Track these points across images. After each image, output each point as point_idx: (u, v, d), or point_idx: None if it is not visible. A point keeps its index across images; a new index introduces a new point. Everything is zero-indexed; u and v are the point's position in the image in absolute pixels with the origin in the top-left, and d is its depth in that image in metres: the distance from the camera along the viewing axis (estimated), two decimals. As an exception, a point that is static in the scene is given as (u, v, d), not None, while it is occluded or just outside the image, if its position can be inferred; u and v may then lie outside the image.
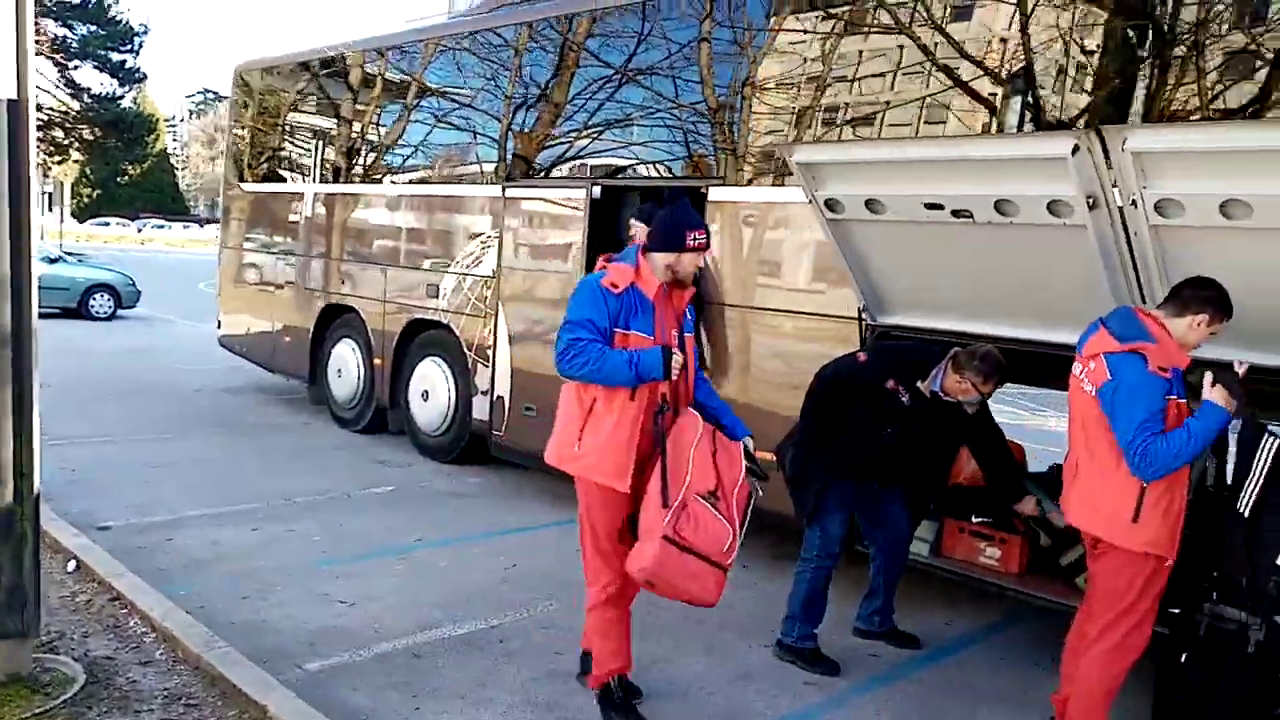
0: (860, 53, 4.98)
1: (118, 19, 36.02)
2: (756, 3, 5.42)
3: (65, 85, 35.42)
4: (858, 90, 5.01)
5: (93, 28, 35.54)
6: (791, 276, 5.24)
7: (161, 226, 53.75)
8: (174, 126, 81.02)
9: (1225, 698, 3.59)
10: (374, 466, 7.27)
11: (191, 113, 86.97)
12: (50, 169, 36.34)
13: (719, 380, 5.45)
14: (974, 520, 4.77)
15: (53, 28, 33.81)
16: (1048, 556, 4.64)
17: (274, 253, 9.41)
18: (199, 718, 3.39)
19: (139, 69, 37.05)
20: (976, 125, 4.56)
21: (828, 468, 4.14)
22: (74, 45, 35.15)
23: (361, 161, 8.58)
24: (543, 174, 6.71)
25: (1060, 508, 3.61)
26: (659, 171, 6.03)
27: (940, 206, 3.98)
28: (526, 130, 6.83)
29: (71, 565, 4.59)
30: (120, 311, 16.45)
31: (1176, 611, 3.55)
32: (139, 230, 49.77)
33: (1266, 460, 3.21)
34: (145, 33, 36.91)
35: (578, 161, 6.53)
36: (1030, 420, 9.77)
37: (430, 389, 7.53)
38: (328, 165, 8.89)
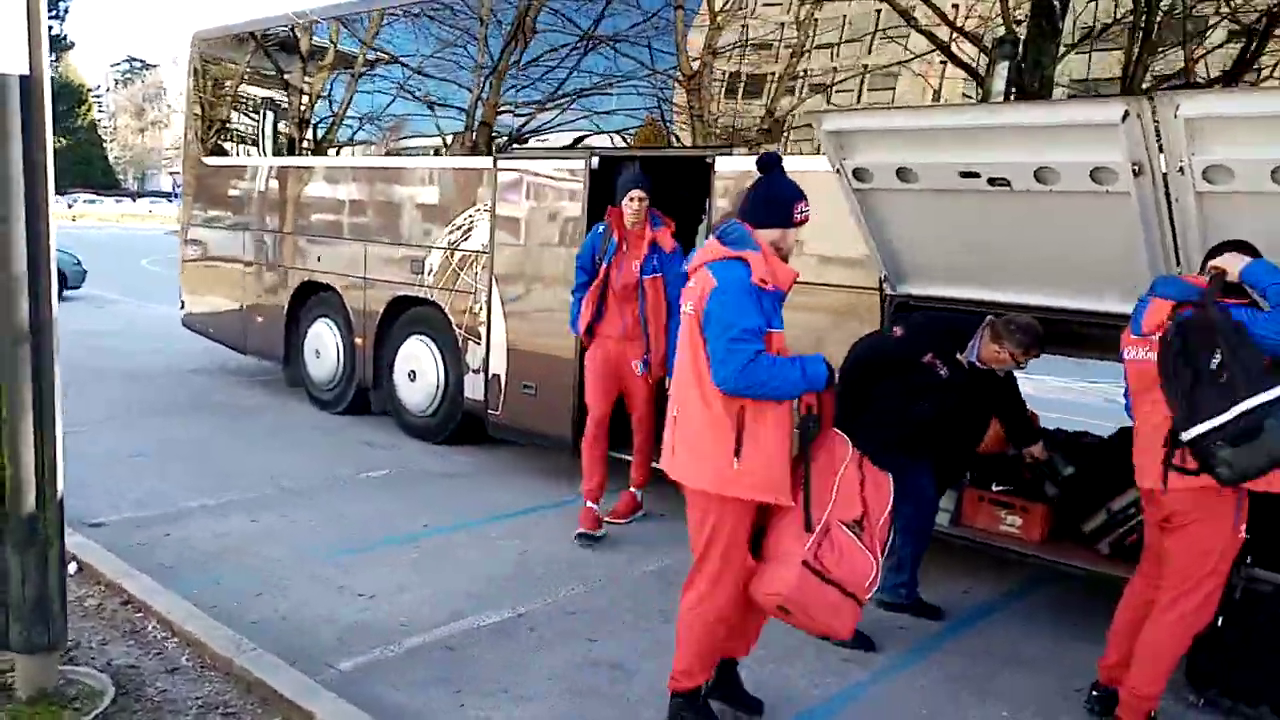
0: (878, 12, 4.89)
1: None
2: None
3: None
4: (880, 54, 4.90)
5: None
6: (807, 248, 5.13)
7: (93, 201, 51.93)
8: (99, 97, 78.10)
9: (1259, 659, 3.66)
10: (362, 449, 7.07)
11: (117, 82, 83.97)
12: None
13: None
14: (994, 489, 4.78)
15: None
16: (1069, 523, 4.65)
17: (243, 229, 9.06)
18: (240, 726, 3.25)
19: (65, 35, 35.65)
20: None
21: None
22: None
23: (337, 133, 8.28)
24: (538, 145, 6.51)
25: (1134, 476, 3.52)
26: (659, 141, 5.87)
27: (976, 175, 3.92)
28: (519, 98, 6.63)
29: (73, 568, 4.36)
30: (66, 293, 15.81)
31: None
32: (69, 206, 48.02)
33: None
34: (70, -3, 35.45)
35: (573, 131, 6.35)
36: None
37: (417, 368, 7.33)
38: (300, 138, 8.56)
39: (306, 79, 8.58)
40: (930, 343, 4.00)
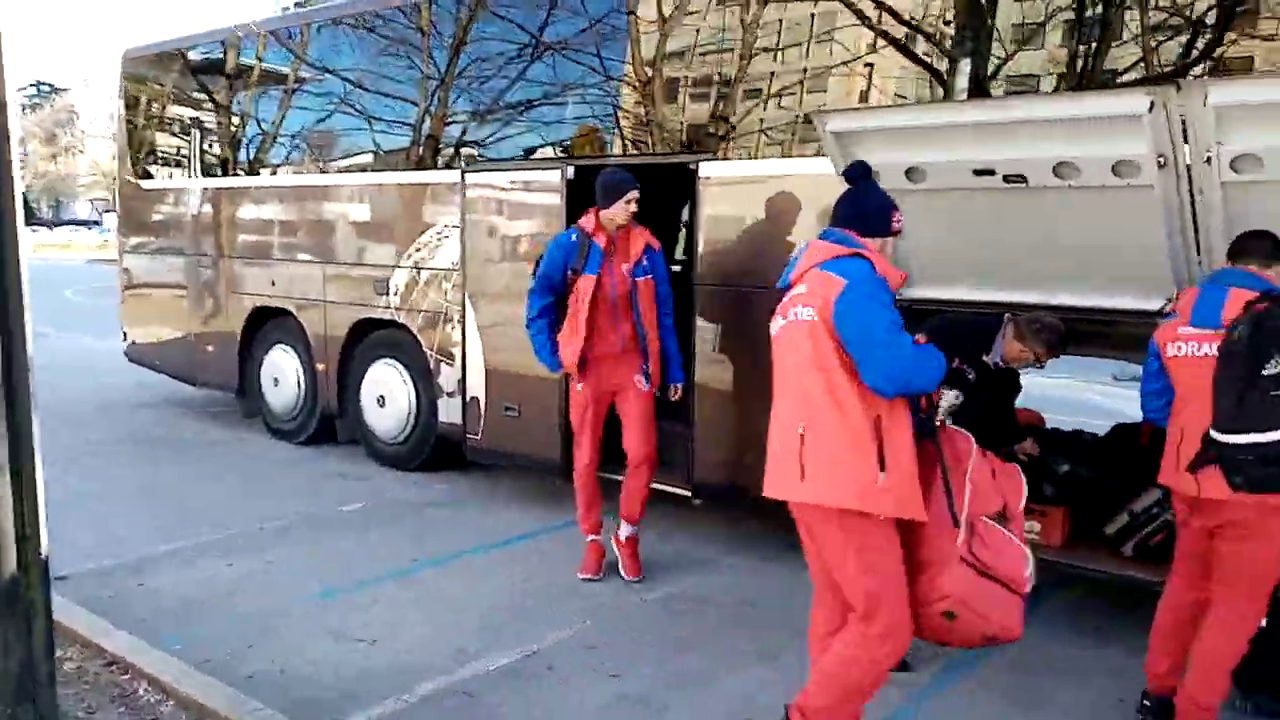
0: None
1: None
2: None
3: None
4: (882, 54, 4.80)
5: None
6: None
7: (6, 232, 49.76)
8: (7, 124, 74.87)
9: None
10: (333, 481, 6.74)
11: (25, 107, 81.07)
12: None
13: (715, 368, 5.22)
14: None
15: None
16: (1090, 526, 4.57)
17: (188, 254, 8.62)
18: (255, 797, 2.97)
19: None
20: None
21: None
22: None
23: (289, 152, 7.94)
24: (507, 157, 6.28)
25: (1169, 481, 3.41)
26: (641, 148, 5.69)
27: (991, 172, 3.81)
28: (487, 110, 6.40)
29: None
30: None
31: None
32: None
33: None
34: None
35: (547, 141, 6.14)
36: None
37: (386, 394, 7.03)
38: (249, 157, 8.20)
39: (243, 95, 8.22)
40: (957, 346, 3.87)
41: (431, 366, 6.70)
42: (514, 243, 6.11)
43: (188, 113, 8.95)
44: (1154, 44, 3.99)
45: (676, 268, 6.31)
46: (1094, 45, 4.17)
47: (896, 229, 3.09)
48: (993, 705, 3.74)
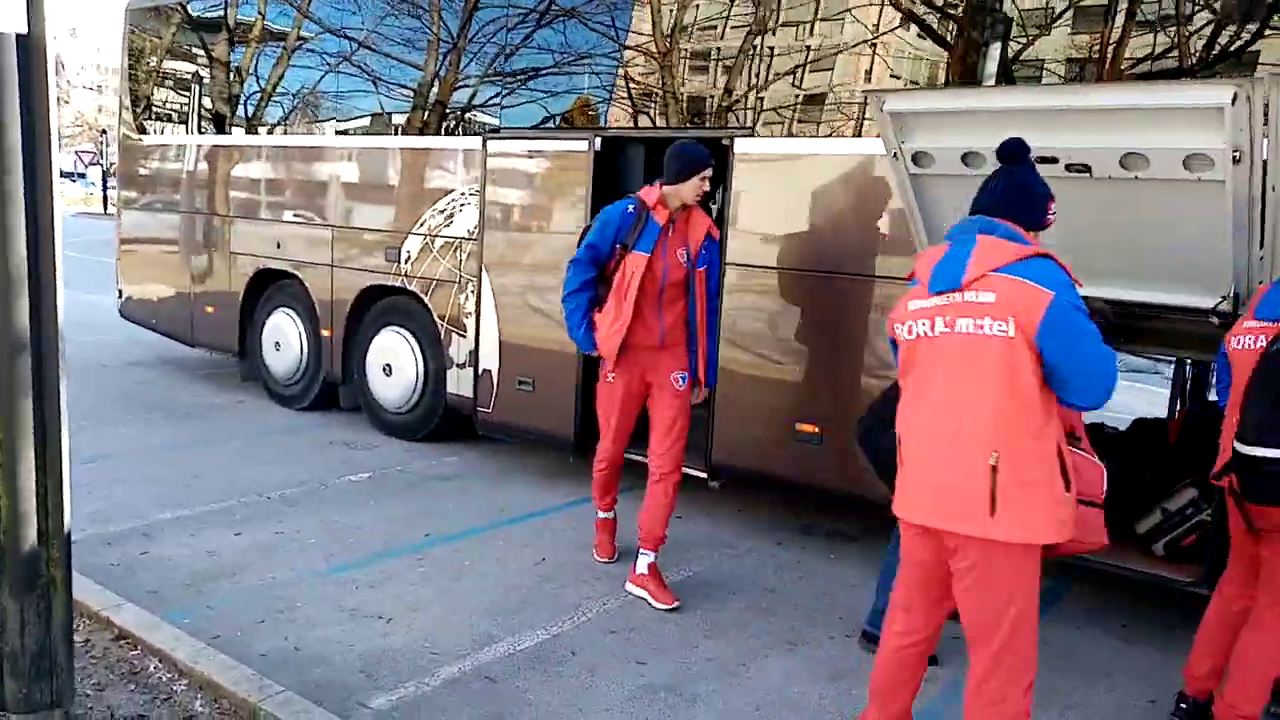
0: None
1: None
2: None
3: None
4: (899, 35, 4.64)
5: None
6: (838, 235, 4.85)
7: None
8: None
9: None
10: (339, 450, 6.58)
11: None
12: None
13: (736, 349, 5.09)
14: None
15: None
16: (1121, 524, 4.48)
17: (189, 212, 8.40)
18: (277, 784, 2.84)
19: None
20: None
21: None
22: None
23: (300, 110, 7.70)
24: (532, 124, 6.10)
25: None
26: (671, 121, 5.51)
27: (1054, 160, 3.66)
28: (504, 75, 6.20)
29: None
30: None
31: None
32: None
33: None
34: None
35: (572, 110, 5.95)
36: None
37: (393, 362, 6.86)
38: (257, 114, 7.96)
39: (251, 50, 7.98)
40: None
41: (442, 336, 6.54)
42: (536, 213, 5.94)
43: (192, 68, 8.69)
44: (1185, 35, 3.92)
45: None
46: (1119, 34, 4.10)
47: (1051, 222, 2.82)
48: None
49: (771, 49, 5.13)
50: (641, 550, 4.41)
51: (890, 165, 4.09)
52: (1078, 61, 4.29)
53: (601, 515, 4.82)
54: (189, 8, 8.47)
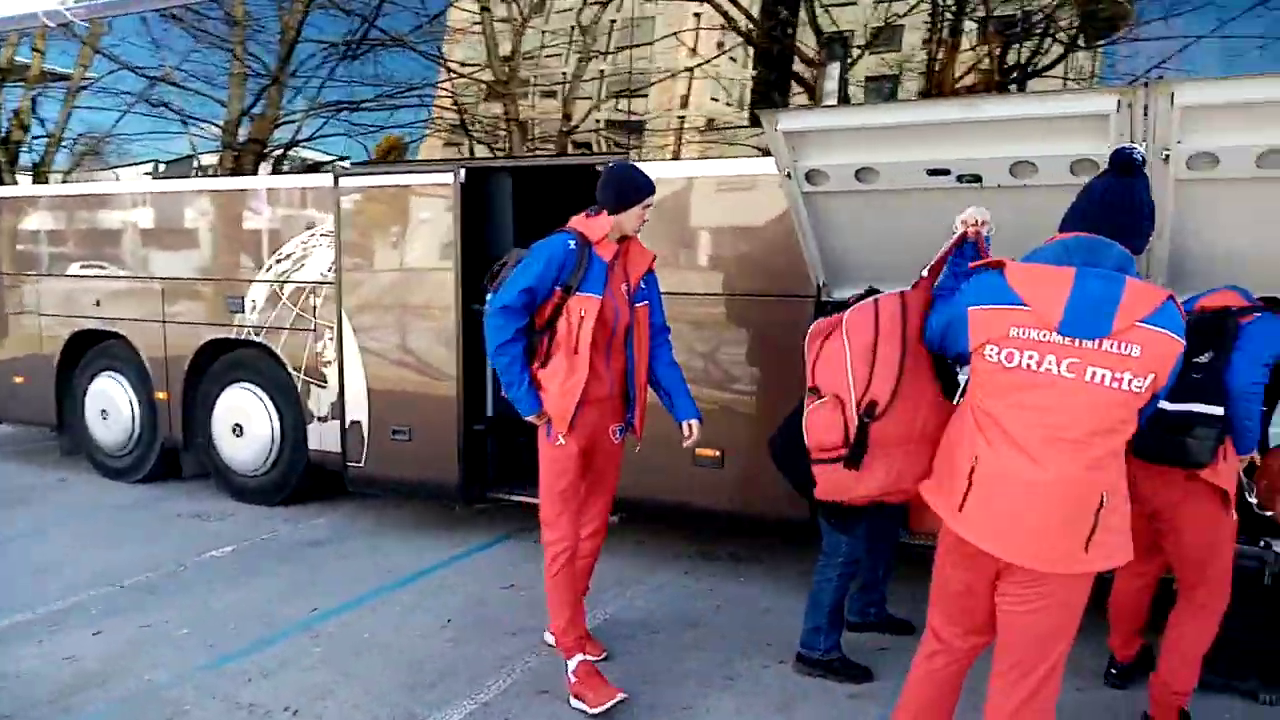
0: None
1: None
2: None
3: None
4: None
5: None
6: (730, 256, 4.81)
7: None
8: None
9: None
10: (190, 523, 6.00)
11: None
12: None
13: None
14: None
15: None
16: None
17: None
18: None
19: None
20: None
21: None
22: None
23: (115, 152, 7.03)
24: (390, 159, 5.79)
25: None
26: (544, 148, 5.35)
27: (945, 172, 3.74)
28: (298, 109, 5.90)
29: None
30: None
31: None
32: None
33: None
34: None
35: (443, 143, 5.69)
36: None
37: (244, 421, 6.33)
38: (67, 157, 7.21)
39: (54, 91, 7.25)
40: None
41: (299, 389, 6.08)
42: (399, 252, 5.61)
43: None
44: (996, 50, 4.28)
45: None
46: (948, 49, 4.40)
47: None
48: (963, 703, 3.65)
49: (602, 72, 5.19)
50: None
51: (783, 184, 4.07)
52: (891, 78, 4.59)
53: (579, 659, 3.71)
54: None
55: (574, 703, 3.59)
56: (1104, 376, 2.33)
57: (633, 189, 3.70)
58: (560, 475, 3.71)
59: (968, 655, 2.75)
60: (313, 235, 5.92)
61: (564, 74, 5.35)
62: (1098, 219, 2.48)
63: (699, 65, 4.97)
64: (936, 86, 4.43)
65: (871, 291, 3.22)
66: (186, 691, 3.77)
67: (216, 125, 6.44)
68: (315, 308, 5.94)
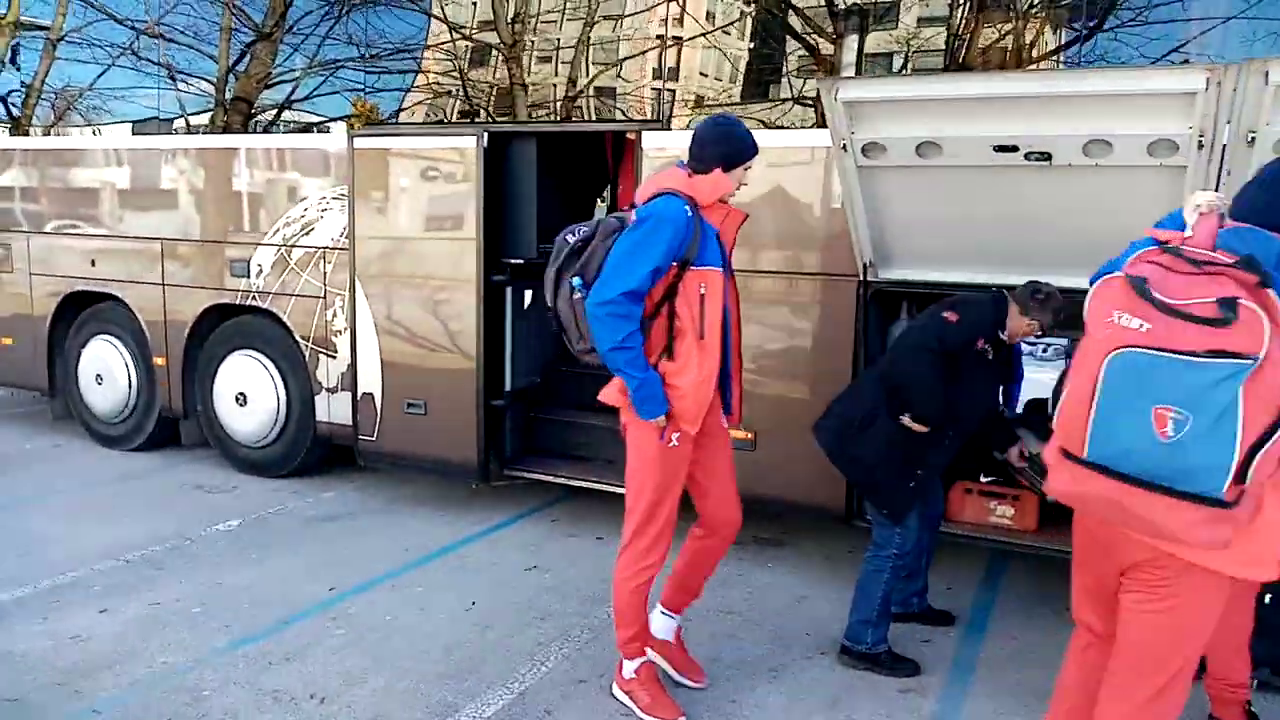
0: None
1: None
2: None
3: None
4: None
5: None
6: (770, 233, 4.62)
7: None
8: None
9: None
10: (193, 494, 5.79)
11: None
12: None
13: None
14: (983, 480, 4.54)
15: None
16: (1060, 507, 4.49)
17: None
18: None
19: None
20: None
21: (926, 456, 3.66)
22: None
23: (95, 108, 6.75)
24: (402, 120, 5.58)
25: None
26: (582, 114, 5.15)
27: (1014, 149, 3.58)
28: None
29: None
30: None
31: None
32: None
33: None
34: None
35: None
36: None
37: (248, 390, 6.11)
38: (64, 108, 6.92)
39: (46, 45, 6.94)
40: (980, 325, 3.63)
41: (306, 359, 5.87)
42: (417, 219, 5.38)
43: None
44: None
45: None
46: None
47: None
48: (1016, 699, 3.55)
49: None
50: (665, 611, 3.61)
51: (837, 156, 3.89)
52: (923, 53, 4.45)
53: (640, 662, 3.41)
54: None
55: (619, 695, 3.43)
56: None
57: (747, 145, 3.23)
58: (673, 481, 3.26)
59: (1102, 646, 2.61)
60: (325, 198, 5.68)
61: (557, 39, 5.23)
62: (1260, 204, 2.43)
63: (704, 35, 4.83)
64: (956, 63, 4.31)
65: None
66: (205, 675, 3.59)
67: (209, 81, 6.21)
68: (326, 274, 5.72)
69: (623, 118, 5.30)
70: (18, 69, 7.01)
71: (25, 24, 7.02)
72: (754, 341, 4.70)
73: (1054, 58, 4.33)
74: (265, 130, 6.12)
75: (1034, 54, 4.33)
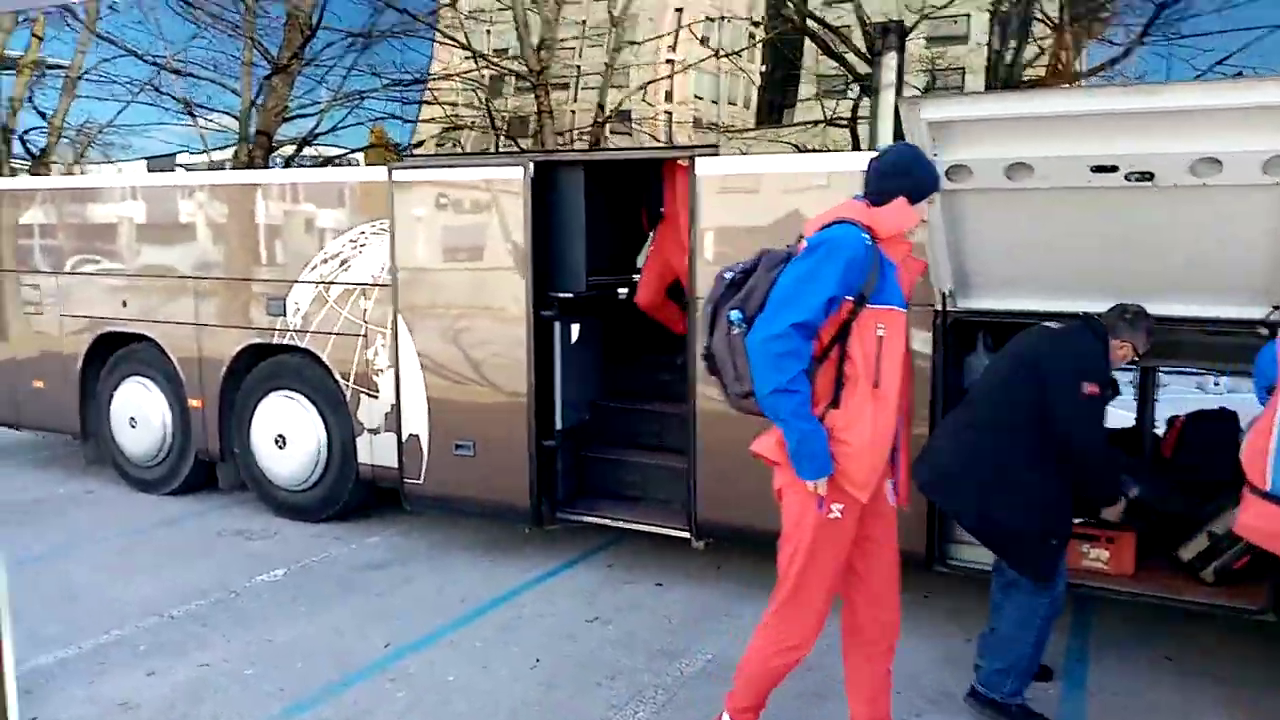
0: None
1: None
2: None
3: None
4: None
5: None
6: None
7: None
8: None
9: None
10: (233, 542, 5.59)
11: None
12: None
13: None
14: (1075, 522, 4.28)
15: None
16: (1160, 550, 4.23)
17: (5, 270, 7.07)
18: None
19: None
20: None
21: (1068, 508, 3.43)
22: None
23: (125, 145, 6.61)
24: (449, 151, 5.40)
25: None
26: (633, 140, 4.96)
27: (1113, 169, 3.35)
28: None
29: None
30: None
31: None
32: None
33: None
34: None
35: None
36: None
37: (286, 432, 5.92)
38: (85, 145, 6.78)
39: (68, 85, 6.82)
40: (1098, 368, 3.39)
41: (347, 398, 5.67)
42: (462, 253, 5.19)
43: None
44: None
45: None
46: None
47: None
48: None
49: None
50: None
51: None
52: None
53: None
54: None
55: None
56: None
57: (933, 176, 3.02)
58: (830, 561, 2.90)
59: None
60: (364, 233, 5.50)
61: (578, 66, 5.06)
62: None
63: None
64: (1000, 80, 4.10)
65: None
66: (264, 748, 3.37)
67: (232, 115, 6.07)
68: (365, 311, 5.53)
69: (650, 142, 5.10)
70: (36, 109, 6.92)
71: (44, 64, 6.90)
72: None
73: (1099, 73, 4.11)
74: (286, 165, 5.94)
75: (1077, 68, 4.10)
